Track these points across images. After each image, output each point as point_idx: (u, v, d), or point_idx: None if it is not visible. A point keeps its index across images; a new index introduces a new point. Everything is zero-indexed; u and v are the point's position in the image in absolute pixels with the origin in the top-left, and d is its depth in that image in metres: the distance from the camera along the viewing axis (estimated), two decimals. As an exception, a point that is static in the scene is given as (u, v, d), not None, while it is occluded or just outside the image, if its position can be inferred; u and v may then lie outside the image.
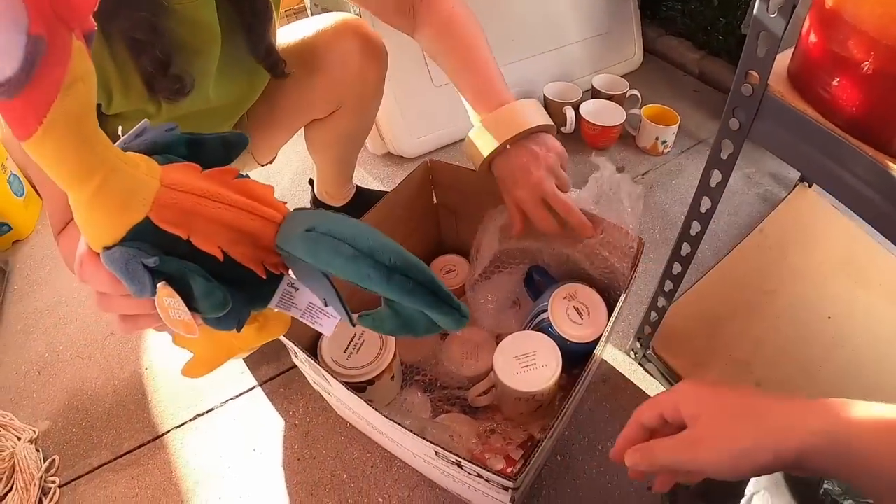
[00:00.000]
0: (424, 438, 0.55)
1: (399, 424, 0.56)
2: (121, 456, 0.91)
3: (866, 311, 0.95)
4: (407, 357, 0.79)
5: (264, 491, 0.82)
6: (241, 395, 0.93)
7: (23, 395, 1.04)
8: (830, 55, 0.49)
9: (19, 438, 0.98)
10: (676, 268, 0.84)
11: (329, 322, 0.45)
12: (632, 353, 0.92)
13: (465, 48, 0.72)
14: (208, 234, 0.37)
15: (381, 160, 1.39)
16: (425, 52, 0.77)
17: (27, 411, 1.02)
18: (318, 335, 0.73)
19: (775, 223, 1.13)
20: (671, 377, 0.88)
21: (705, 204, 0.73)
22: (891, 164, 0.47)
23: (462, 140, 0.72)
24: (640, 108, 1.30)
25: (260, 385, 0.94)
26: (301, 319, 0.45)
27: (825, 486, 0.60)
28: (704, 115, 1.44)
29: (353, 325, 0.42)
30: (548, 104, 1.33)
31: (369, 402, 0.57)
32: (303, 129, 0.95)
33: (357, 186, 1.15)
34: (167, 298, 0.36)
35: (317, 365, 0.63)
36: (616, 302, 0.68)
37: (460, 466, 0.56)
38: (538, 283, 0.82)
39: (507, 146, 0.68)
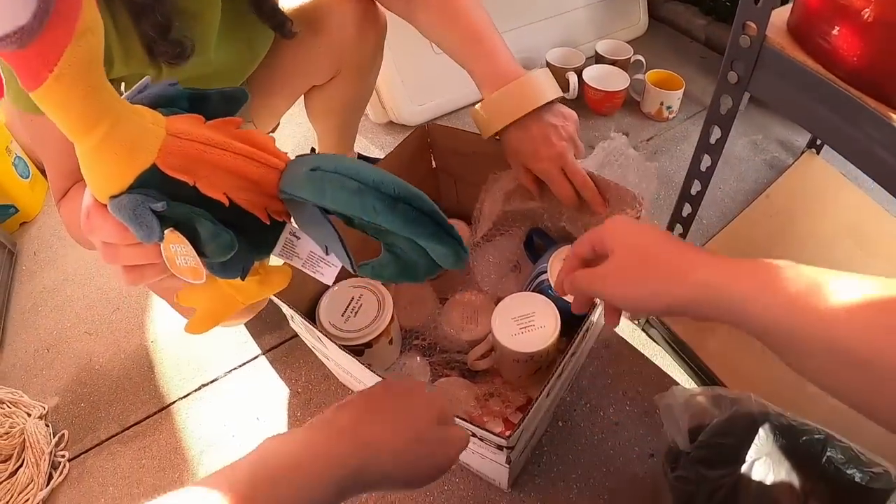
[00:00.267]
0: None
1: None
2: (128, 428, 0.93)
3: (873, 278, 0.93)
4: (406, 322, 0.78)
5: (268, 458, 0.83)
6: (244, 364, 0.93)
7: (32, 372, 1.05)
8: (830, 3, 0.48)
9: (29, 415, 1.00)
10: (678, 229, 0.83)
11: (330, 271, 0.46)
12: (635, 319, 0.91)
13: (466, 23, 0.70)
14: (214, 180, 0.37)
15: (383, 129, 1.38)
16: (426, 34, 0.75)
17: (37, 388, 1.03)
18: (317, 300, 0.73)
19: (782, 190, 1.11)
20: (674, 343, 0.87)
21: (705, 162, 0.72)
22: (892, 115, 0.46)
23: (464, 108, 0.71)
24: (645, 73, 1.27)
25: (263, 354, 0.94)
26: (303, 269, 0.46)
27: (828, 453, 0.59)
28: (710, 82, 1.41)
29: (354, 271, 0.42)
30: (550, 70, 1.30)
31: (368, 365, 0.57)
32: (303, 97, 0.94)
33: (359, 154, 1.15)
34: (174, 245, 0.36)
35: (313, 328, 0.63)
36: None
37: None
38: (538, 245, 0.81)
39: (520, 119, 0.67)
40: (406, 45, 1.21)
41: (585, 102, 1.31)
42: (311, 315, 0.72)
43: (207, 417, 0.89)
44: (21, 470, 0.95)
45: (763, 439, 0.61)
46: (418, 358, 0.76)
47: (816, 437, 0.60)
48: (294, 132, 1.40)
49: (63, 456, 0.95)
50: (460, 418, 0.53)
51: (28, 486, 0.93)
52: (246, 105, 0.44)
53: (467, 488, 0.77)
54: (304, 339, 0.76)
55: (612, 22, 1.50)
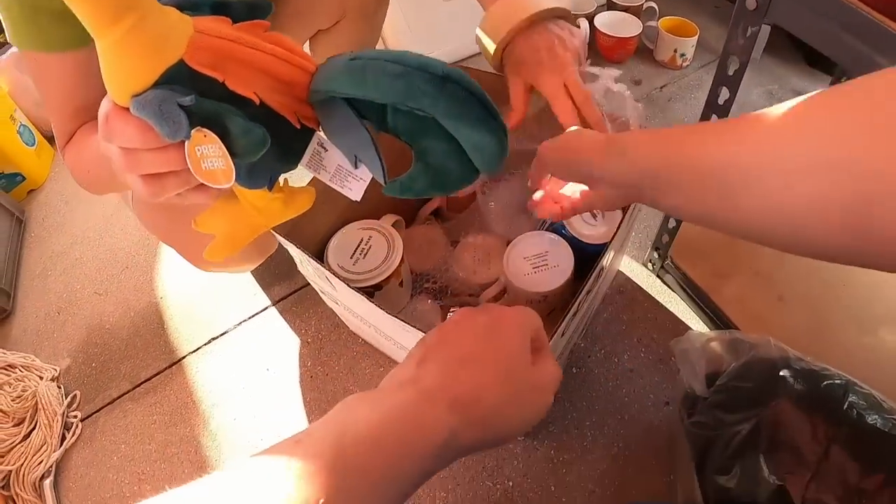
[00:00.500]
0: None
1: (406, 322, 0.54)
2: (139, 385, 0.92)
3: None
4: (416, 266, 0.77)
5: (278, 409, 0.82)
6: (253, 316, 0.93)
7: (43, 336, 1.05)
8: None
9: (41, 378, 1.00)
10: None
11: (358, 185, 0.44)
12: (649, 265, 0.88)
13: None
14: (244, 77, 0.36)
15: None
16: None
17: (48, 351, 1.04)
18: (325, 243, 0.71)
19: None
20: (690, 288, 0.85)
21: (723, 95, 0.69)
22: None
23: (471, 57, 0.68)
24: (658, 20, 1.24)
25: (272, 305, 0.93)
26: (329, 184, 0.44)
27: (849, 399, 0.57)
28: (724, 31, 1.35)
29: (386, 183, 0.40)
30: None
31: (378, 304, 0.56)
32: (308, 43, 0.92)
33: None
34: (201, 147, 0.34)
35: (322, 269, 0.62)
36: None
37: None
38: (549, 186, 0.78)
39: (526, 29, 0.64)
40: (413, -10, 1.19)
41: (597, 49, 1.28)
42: (319, 258, 0.71)
43: (218, 371, 0.89)
44: (34, 432, 0.95)
45: (783, 383, 0.59)
46: (429, 301, 0.75)
47: (837, 382, 0.58)
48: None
49: (75, 416, 0.95)
50: None
51: (41, 447, 0.94)
52: None
53: (480, 435, 0.76)
54: (313, 284, 0.74)
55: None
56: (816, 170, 0.30)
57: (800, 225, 0.32)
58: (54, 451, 0.93)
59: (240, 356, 0.89)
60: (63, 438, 0.94)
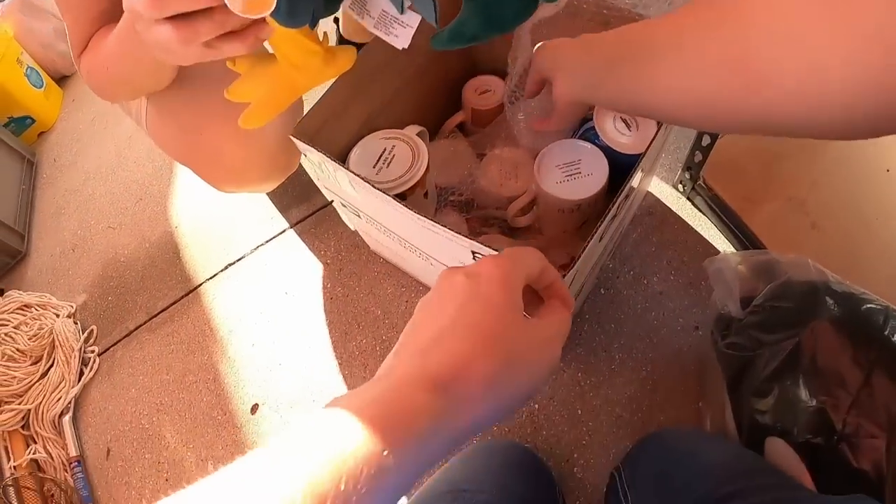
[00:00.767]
0: (461, 234, 0.51)
1: (434, 222, 0.52)
2: (155, 315, 0.91)
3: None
4: (441, 179, 0.74)
5: (297, 333, 0.81)
6: (271, 239, 0.90)
7: (59, 274, 1.04)
8: None
9: (57, 315, 0.99)
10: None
11: (404, 33, 0.42)
12: (680, 187, 0.85)
13: None
14: None
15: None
16: None
17: (64, 289, 1.03)
18: (346, 153, 0.69)
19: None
20: (721, 210, 0.82)
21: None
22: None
23: None
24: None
25: (291, 227, 0.91)
26: (374, 31, 0.42)
27: (891, 323, 0.54)
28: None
29: (437, 24, 0.37)
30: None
31: (403, 203, 0.53)
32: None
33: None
34: None
35: (346, 172, 0.59)
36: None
37: None
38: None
39: None
40: None
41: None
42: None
43: (235, 297, 0.87)
44: (52, 370, 0.95)
45: (823, 306, 0.56)
46: (455, 215, 0.72)
47: (878, 307, 0.54)
48: None
49: (93, 351, 0.94)
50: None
51: (59, 384, 0.93)
52: None
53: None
54: (333, 196, 0.71)
55: None
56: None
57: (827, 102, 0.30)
58: (72, 388, 0.93)
59: (257, 281, 0.87)
60: (81, 374, 0.93)
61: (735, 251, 0.80)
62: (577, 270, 0.51)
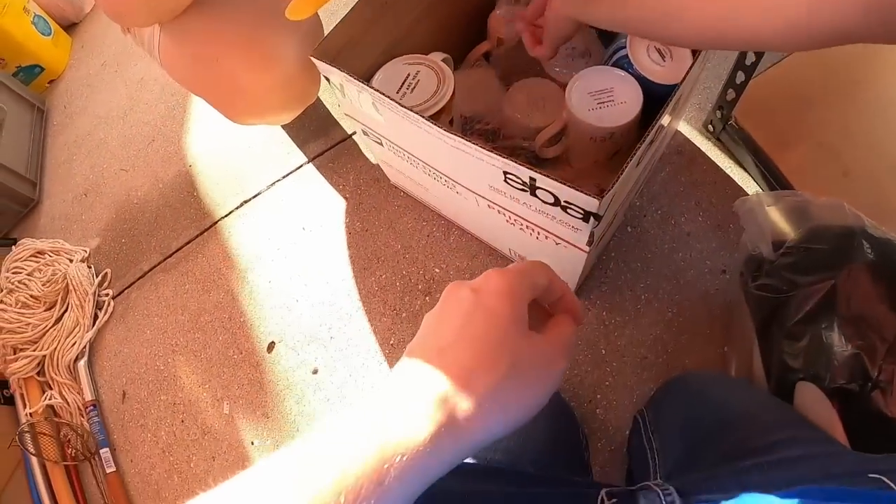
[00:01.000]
0: (493, 152, 0.49)
1: (462, 139, 0.50)
2: (170, 256, 0.90)
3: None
4: (467, 108, 0.71)
5: (315, 269, 0.79)
6: (287, 175, 0.88)
7: (72, 220, 1.03)
8: None
9: (71, 261, 0.98)
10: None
11: None
12: (710, 126, 0.82)
13: None
14: None
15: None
16: None
17: (77, 234, 1.01)
18: (368, 79, 0.66)
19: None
20: (752, 151, 0.79)
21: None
22: None
23: None
24: None
25: (309, 161, 0.89)
26: None
27: None
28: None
29: None
30: None
31: (429, 118, 0.51)
32: None
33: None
34: None
35: (370, 89, 0.57)
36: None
37: (534, 191, 0.49)
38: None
39: None
40: None
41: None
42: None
43: (251, 234, 0.85)
44: (66, 314, 0.94)
45: (860, 249, 0.54)
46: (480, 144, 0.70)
47: None
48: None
49: (107, 294, 0.93)
50: (541, 173, 0.46)
51: (74, 329, 0.92)
52: None
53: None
54: (354, 123, 0.69)
55: None
56: None
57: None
58: (87, 332, 0.92)
59: (274, 217, 0.85)
60: (95, 318, 0.92)
61: (767, 192, 0.78)
62: (616, 193, 0.49)
